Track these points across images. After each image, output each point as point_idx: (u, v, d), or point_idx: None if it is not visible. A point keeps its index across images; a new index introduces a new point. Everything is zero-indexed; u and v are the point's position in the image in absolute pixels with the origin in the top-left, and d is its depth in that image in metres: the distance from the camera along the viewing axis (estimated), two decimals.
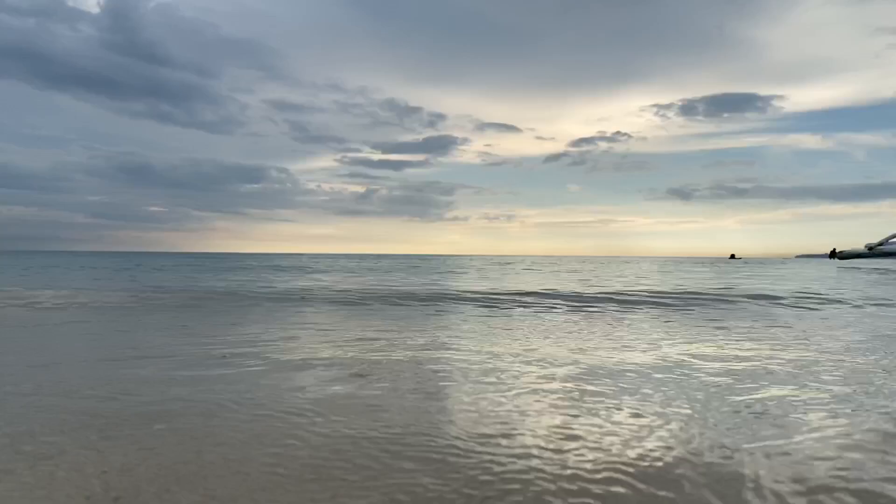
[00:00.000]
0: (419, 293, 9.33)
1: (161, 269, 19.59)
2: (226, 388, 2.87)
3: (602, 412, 2.45)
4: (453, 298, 8.65)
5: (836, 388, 2.86)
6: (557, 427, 2.25)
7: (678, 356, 3.84)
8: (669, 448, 1.98)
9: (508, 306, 7.74)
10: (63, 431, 2.15)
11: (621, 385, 2.93)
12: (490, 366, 3.48)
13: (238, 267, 23.04)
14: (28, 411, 2.44)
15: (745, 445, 2.00)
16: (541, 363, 3.67)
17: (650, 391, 2.82)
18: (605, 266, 30.21)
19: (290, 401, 2.62)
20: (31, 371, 3.31)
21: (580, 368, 3.42)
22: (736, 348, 4.21)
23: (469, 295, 9.08)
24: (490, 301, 8.35)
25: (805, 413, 2.42)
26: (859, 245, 37.38)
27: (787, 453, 1.93)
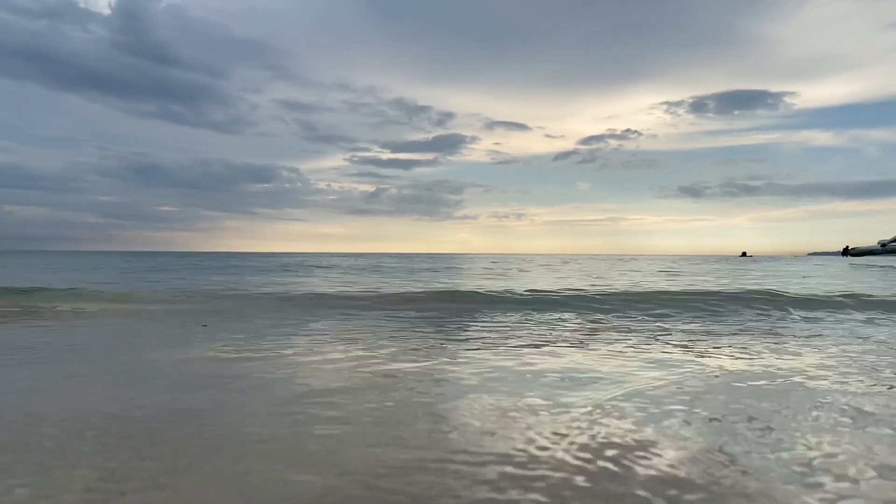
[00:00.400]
0: (451, 294, 8.76)
1: (194, 269, 19.87)
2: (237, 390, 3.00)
3: None
4: (489, 300, 8.21)
5: None
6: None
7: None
8: None
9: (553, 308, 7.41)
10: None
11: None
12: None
13: (259, 267, 23.11)
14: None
15: None
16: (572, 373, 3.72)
17: None
18: (637, 263, 29.97)
19: (302, 406, 2.58)
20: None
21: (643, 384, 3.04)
22: None
23: (515, 296, 8.49)
24: (534, 303, 7.94)
25: None
26: (872, 242, 36.94)
27: None
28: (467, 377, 3.19)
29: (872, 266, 26.75)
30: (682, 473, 1.75)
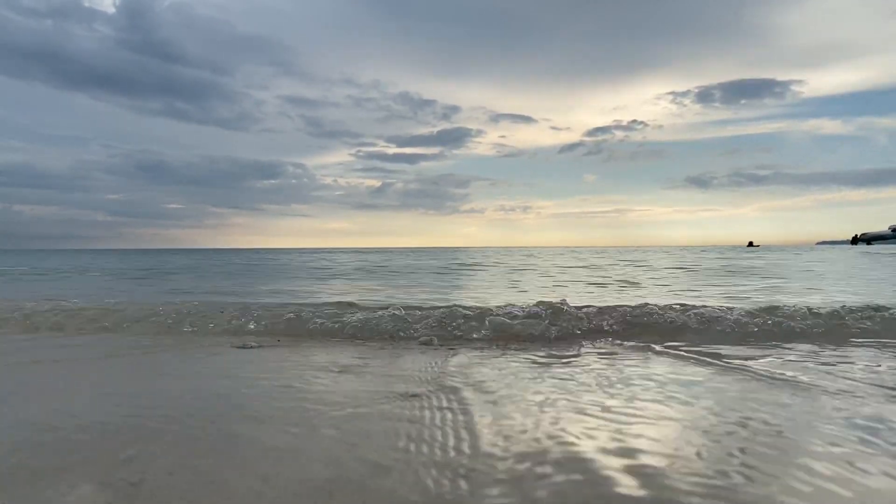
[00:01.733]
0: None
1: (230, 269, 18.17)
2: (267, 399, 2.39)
3: None
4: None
5: None
6: None
7: None
8: None
9: None
10: None
11: None
12: None
13: (278, 266, 19.99)
14: None
15: None
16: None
17: None
18: (685, 254, 25.80)
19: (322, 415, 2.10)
20: None
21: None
22: None
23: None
24: None
25: None
26: (882, 230, 37.49)
27: None
28: None
29: (884, 254, 26.70)
30: None
